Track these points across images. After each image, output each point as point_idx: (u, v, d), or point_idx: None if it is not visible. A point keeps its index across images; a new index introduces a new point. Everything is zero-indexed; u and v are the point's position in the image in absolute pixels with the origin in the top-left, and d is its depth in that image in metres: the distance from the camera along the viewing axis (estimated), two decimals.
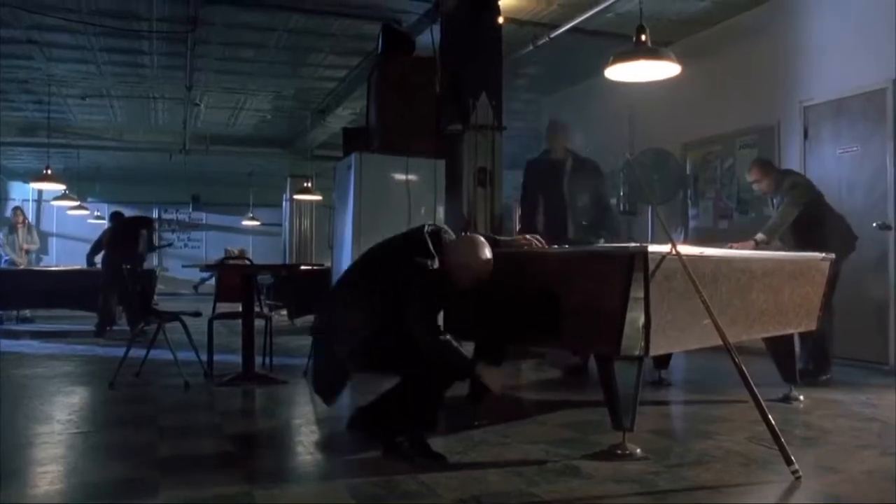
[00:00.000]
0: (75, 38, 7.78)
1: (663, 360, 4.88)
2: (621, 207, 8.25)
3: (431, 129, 6.25)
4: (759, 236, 4.81)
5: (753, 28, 7.02)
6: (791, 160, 6.46)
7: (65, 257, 16.86)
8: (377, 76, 6.41)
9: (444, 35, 6.65)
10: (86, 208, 15.50)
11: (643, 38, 4.16)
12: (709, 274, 3.26)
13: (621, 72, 4.24)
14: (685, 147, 7.80)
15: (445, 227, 3.45)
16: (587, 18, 6.78)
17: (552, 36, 7.22)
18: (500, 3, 6.55)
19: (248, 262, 7.11)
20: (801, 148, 6.46)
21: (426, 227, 3.26)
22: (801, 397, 4.32)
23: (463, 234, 3.45)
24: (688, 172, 7.80)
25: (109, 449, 3.38)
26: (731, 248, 4.49)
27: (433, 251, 3.13)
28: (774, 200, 5.23)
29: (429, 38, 6.89)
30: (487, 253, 3.15)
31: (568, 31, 7.13)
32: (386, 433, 3.11)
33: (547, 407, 4.20)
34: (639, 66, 4.18)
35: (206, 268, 10.03)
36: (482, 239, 3.25)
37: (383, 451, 3.05)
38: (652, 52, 4.15)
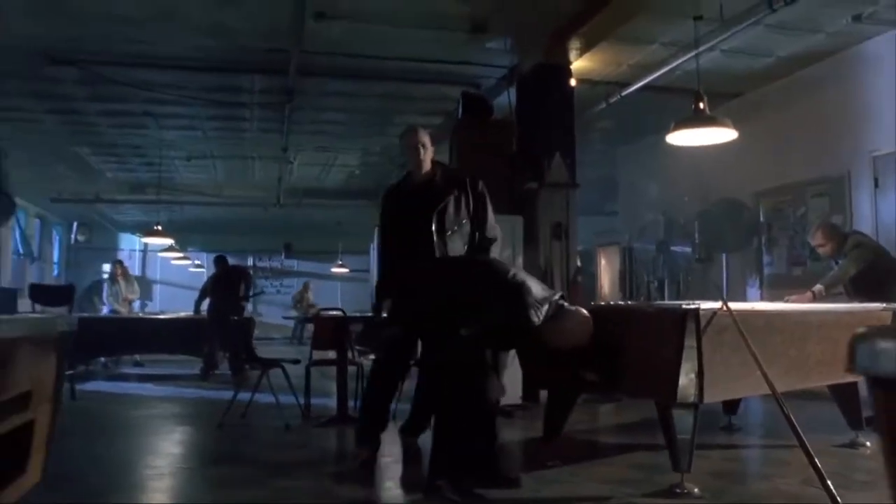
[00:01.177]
0: (185, 109, 8.61)
1: (732, 406, 5.09)
2: (696, 255, 8.48)
3: (509, 187, 6.68)
4: (817, 288, 5.01)
5: (820, 80, 7.21)
6: (862, 209, 6.60)
7: (167, 303, 17.92)
8: (457, 139, 6.91)
9: (520, 98, 7.13)
10: (188, 258, 16.57)
11: (701, 105, 4.50)
12: (762, 327, 3.54)
13: (682, 137, 4.59)
14: (757, 196, 7.99)
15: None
16: (655, 77, 7.15)
17: (623, 94, 7.60)
18: (572, 66, 6.98)
19: (341, 314, 7.62)
20: (871, 197, 6.60)
21: (557, 295, 3.43)
22: (868, 443, 4.47)
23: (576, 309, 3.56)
24: (761, 221, 7.97)
25: (220, 481, 3.87)
26: (788, 300, 4.72)
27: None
28: (838, 261, 5.38)
29: (506, 100, 7.40)
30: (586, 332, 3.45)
31: (638, 89, 7.51)
32: (429, 475, 3.39)
33: (618, 449, 4.49)
34: (697, 132, 4.50)
35: (304, 320, 10.65)
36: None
37: (423, 492, 3.33)
38: (709, 120, 4.48)
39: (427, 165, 4.21)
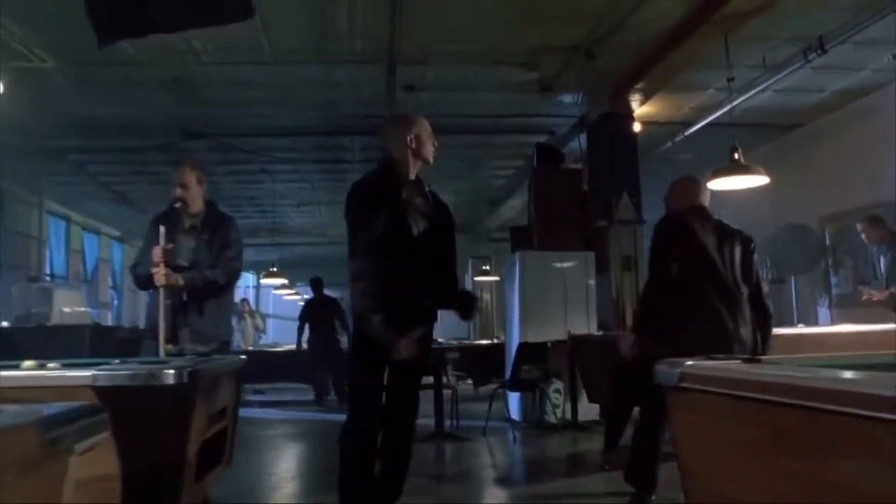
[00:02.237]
0: (296, 166, 9.83)
1: None
2: (769, 276, 8.99)
3: (580, 226, 7.48)
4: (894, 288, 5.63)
5: (874, 110, 7.67)
6: None
7: (279, 334, 19.38)
8: (534, 184, 7.78)
9: (590, 144, 7.92)
10: (297, 293, 17.94)
11: (736, 155, 5.21)
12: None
13: (720, 184, 5.29)
14: (822, 220, 8.47)
15: None
16: (715, 117, 7.81)
17: (686, 133, 8.28)
18: (635, 113, 7.74)
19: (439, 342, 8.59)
20: None
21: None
22: None
23: None
24: (826, 244, 8.44)
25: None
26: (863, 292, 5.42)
27: None
28: (881, 257, 5.95)
29: (577, 144, 8.21)
30: None
31: (702, 126, 8.17)
32: None
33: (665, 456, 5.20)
34: (733, 180, 5.21)
35: None
36: None
37: None
38: (744, 168, 5.18)
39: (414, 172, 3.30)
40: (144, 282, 3.56)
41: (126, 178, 10.53)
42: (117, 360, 2.56)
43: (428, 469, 5.25)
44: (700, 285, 3.61)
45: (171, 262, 3.47)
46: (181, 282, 3.46)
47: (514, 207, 12.02)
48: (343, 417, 3.35)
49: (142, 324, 4.49)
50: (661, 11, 5.51)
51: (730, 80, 6.02)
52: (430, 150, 3.30)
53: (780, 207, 8.99)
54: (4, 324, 8.35)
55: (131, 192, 11.35)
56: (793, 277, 8.62)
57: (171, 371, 2.05)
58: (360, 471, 3.22)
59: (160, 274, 3.41)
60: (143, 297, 4.41)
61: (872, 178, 7.74)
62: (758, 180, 5.21)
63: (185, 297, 3.51)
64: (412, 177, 3.28)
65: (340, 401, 9.13)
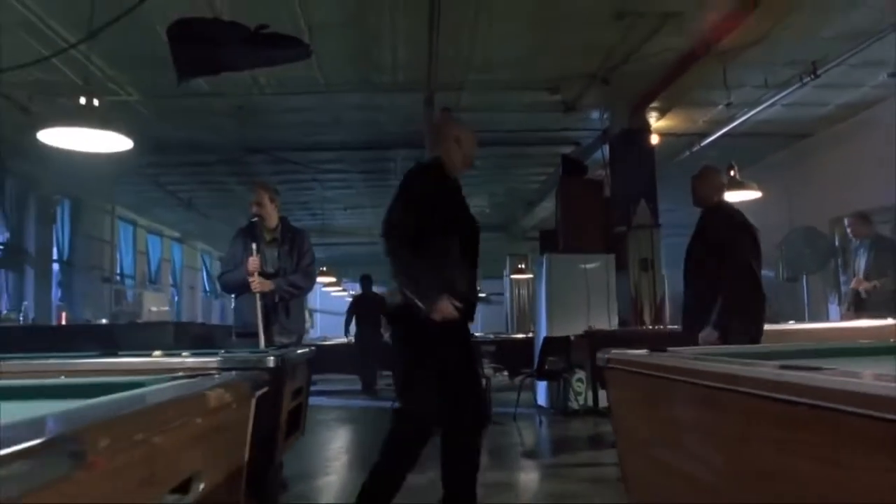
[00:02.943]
0: (344, 175, 10.76)
1: None
2: (783, 275, 9.64)
3: (602, 231, 8.23)
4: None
5: (880, 120, 8.27)
6: None
7: (326, 329, 20.44)
8: (560, 192, 8.55)
9: (611, 155, 8.65)
10: (345, 289, 18.98)
11: (732, 172, 5.93)
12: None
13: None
14: (832, 222, 9.09)
15: None
16: (728, 129, 8.49)
17: (702, 144, 8.97)
18: (653, 127, 8.45)
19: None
20: None
21: None
22: None
23: None
24: (836, 245, 9.06)
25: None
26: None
27: None
28: (862, 250, 6.62)
29: (600, 154, 8.95)
30: None
31: (717, 137, 8.85)
32: None
33: None
34: (729, 194, 5.92)
35: None
36: None
37: None
38: (739, 184, 5.90)
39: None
40: (237, 287, 4.37)
41: (192, 186, 11.57)
42: (223, 350, 3.43)
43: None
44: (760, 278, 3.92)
45: (262, 271, 4.30)
46: (272, 287, 4.31)
47: (548, 209, 12.76)
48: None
49: (217, 320, 5.36)
50: (666, 45, 6.22)
51: (728, 104, 6.72)
52: (472, 153, 3.40)
53: (794, 210, 9.63)
54: (103, 321, 9.45)
55: (195, 198, 12.40)
56: (805, 276, 9.25)
57: (272, 357, 2.91)
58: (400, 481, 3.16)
59: (256, 282, 4.26)
60: (199, 294, 5.22)
61: (875, 183, 8.34)
62: (751, 195, 5.93)
63: (276, 300, 4.35)
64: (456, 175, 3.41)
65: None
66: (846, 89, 7.73)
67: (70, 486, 0.81)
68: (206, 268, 19.92)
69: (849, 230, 6.90)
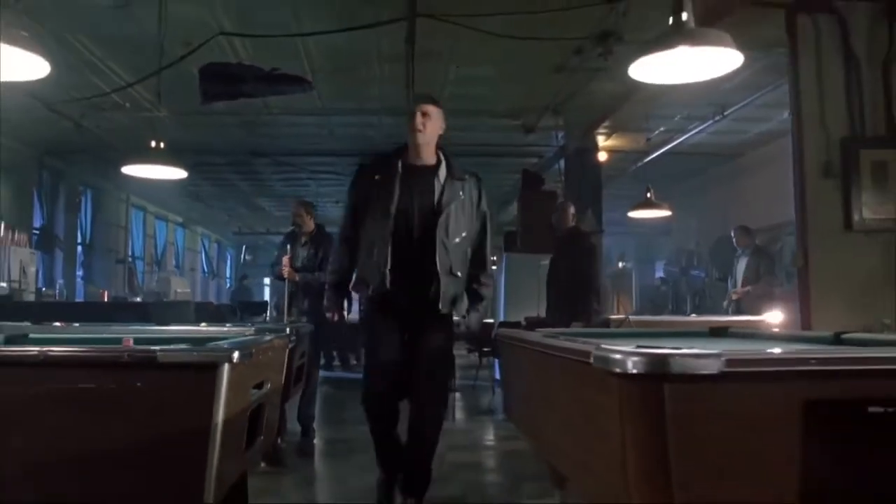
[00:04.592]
0: (336, 176, 12.21)
1: None
2: (715, 275, 11.18)
3: (553, 234, 9.70)
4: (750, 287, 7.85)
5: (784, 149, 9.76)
6: None
7: None
8: (520, 201, 10.03)
9: (566, 168, 10.13)
10: None
11: (648, 195, 7.40)
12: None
13: (637, 214, 7.49)
14: (755, 232, 10.60)
15: None
16: (665, 150, 9.98)
17: (645, 161, 10.47)
18: (602, 144, 9.91)
19: None
20: None
21: None
22: None
23: None
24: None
25: None
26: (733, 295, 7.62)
27: None
28: (742, 258, 8.07)
29: (558, 167, 10.42)
30: None
31: (659, 154, 10.34)
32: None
33: None
34: (646, 212, 7.41)
35: None
36: None
37: None
38: (655, 204, 7.38)
39: (428, 151, 3.68)
40: (277, 276, 5.85)
41: (199, 181, 12.99)
42: (250, 325, 4.89)
43: None
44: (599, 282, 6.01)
45: (293, 265, 5.73)
46: (297, 278, 5.77)
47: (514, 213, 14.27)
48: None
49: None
50: (600, 88, 7.66)
51: (648, 139, 8.21)
52: (410, 126, 3.64)
53: (729, 218, 11.14)
54: (138, 299, 10.96)
55: (201, 191, 13.84)
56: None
57: (288, 328, 4.37)
58: (378, 435, 3.70)
59: (285, 271, 5.70)
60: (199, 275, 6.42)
61: (783, 201, 9.84)
62: (663, 213, 7.41)
63: (299, 287, 5.76)
64: (422, 158, 3.67)
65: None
66: (759, 122, 9.22)
67: (243, 368, 2.28)
68: (204, 250, 21.34)
69: (734, 241, 8.37)
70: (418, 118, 3.61)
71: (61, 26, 6.23)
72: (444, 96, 8.17)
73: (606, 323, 6.11)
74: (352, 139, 10.01)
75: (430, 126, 3.63)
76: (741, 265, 8.12)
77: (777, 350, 1.95)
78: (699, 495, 1.71)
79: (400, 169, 3.64)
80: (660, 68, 3.21)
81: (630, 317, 6.30)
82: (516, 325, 9.02)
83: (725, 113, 7.94)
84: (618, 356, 1.78)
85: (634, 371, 1.73)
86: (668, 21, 3.24)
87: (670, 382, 1.70)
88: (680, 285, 11.32)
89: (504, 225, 17.10)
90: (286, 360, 3.38)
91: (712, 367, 1.68)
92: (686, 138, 9.36)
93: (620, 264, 19.41)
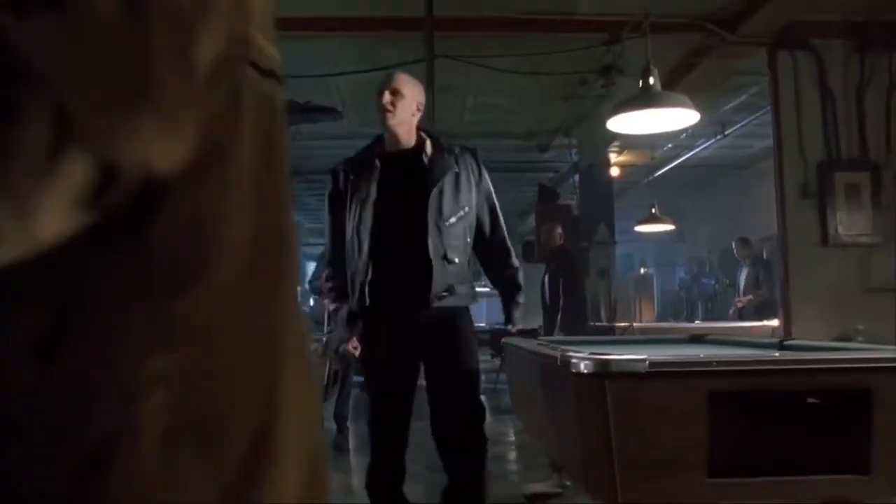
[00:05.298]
0: None
1: None
2: (725, 281, 11.70)
3: (570, 246, 10.32)
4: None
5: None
6: None
7: None
8: (537, 214, 10.66)
9: (580, 182, 10.74)
10: None
11: (654, 210, 7.99)
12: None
13: (643, 228, 8.09)
14: (762, 241, 11.13)
15: None
16: (673, 165, 10.56)
17: (656, 174, 11.05)
18: (614, 160, 10.51)
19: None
20: None
21: None
22: None
23: None
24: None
25: None
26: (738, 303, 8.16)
27: None
28: (744, 269, 8.63)
29: (573, 181, 11.04)
30: None
31: (670, 168, 10.92)
32: None
33: None
34: (652, 227, 8.00)
35: None
36: None
37: None
38: (658, 219, 7.98)
39: (405, 132, 3.14)
40: (315, 291, 6.58)
41: None
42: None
43: None
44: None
45: None
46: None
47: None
48: None
49: None
50: (623, 92, 8.24)
51: (652, 157, 8.80)
52: (380, 118, 3.11)
53: (737, 227, 11.68)
54: None
55: None
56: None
57: (324, 339, 5.04)
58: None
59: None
60: None
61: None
62: (667, 227, 8.01)
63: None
64: (400, 142, 3.14)
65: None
66: (761, 138, 9.75)
67: None
68: None
69: (735, 252, 8.92)
70: (386, 97, 3.05)
71: None
72: (462, 122, 8.87)
73: (612, 329, 6.68)
74: None
75: (402, 105, 3.06)
76: (743, 274, 8.67)
77: (696, 354, 2.59)
78: (635, 463, 2.35)
79: (378, 162, 3.11)
80: (633, 122, 3.85)
81: (634, 324, 6.89)
82: (532, 332, 9.64)
83: (726, 133, 8.51)
84: (574, 359, 2.43)
85: (585, 371, 2.37)
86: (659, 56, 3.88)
87: (610, 379, 2.34)
88: (693, 291, 11.86)
89: (523, 235, 17.78)
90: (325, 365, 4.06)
91: (640, 368, 2.32)
92: (693, 154, 9.93)
93: (642, 270, 19.91)
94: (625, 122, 3.94)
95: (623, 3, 5.53)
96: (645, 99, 3.67)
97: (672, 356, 2.44)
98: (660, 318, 14.93)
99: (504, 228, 3.38)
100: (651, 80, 3.67)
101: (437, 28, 5.59)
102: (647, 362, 2.32)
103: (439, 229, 3.04)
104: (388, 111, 3.07)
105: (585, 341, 4.26)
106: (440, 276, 3.03)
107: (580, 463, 2.49)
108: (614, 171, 10.55)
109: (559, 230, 7.05)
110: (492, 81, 7.26)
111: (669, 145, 9.94)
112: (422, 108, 3.23)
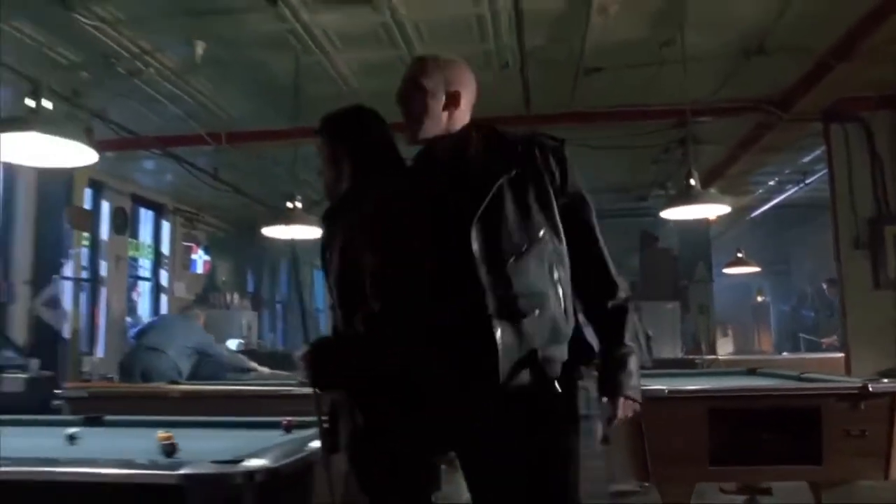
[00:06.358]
0: None
1: None
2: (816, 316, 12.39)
3: (671, 284, 11.41)
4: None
5: None
6: None
7: None
8: (641, 258, 11.81)
9: (679, 225, 11.80)
10: None
11: (739, 254, 9.02)
12: None
13: (728, 270, 9.13)
14: None
15: None
16: (769, 206, 11.44)
17: (752, 215, 11.96)
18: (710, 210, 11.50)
19: None
20: None
21: None
22: None
23: None
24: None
25: None
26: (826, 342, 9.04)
27: None
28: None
29: (671, 225, 12.11)
30: None
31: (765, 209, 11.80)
32: None
33: None
34: (736, 269, 9.02)
35: None
36: None
37: None
38: (743, 262, 9.00)
39: (438, 127, 2.11)
40: None
41: None
42: None
43: None
44: None
45: None
46: None
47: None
48: None
49: None
50: (707, 154, 9.32)
51: (739, 207, 9.82)
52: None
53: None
54: None
55: None
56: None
57: None
58: None
59: None
60: None
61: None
62: (752, 270, 9.01)
63: None
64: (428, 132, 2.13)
65: None
66: None
67: None
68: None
69: (826, 293, 9.71)
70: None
71: None
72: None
73: (691, 362, 7.73)
74: None
75: (432, 104, 2.12)
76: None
77: (709, 384, 3.86)
78: (660, 456, 3.63)
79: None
80: (681, 213, 5.12)
81: (719, 357, 7.94)
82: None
83: (807, 181, 9.45)
84: None
85: None
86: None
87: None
88: (794, 323, 12.57)
89: (629, 275, 18.88)
90: None
91: (661, 394, 3.62)
92: (783, 198, 10.82)
93: (759, 298, 20.40)
94: (675, 213, 5.20)
95: (691, 91, 6.71)
96: (688, 196, 4.93)
97: (684, 385, 3.72)
98: (776, 347, 15.48)
99: (605, 250, 2.23)
100: (692, 182, 4.93)
101: (536, 123, 6.96)
102: (667, 390, 3.62)
103: (498, 268, 1.92)
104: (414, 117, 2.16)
105: (660, 374, 5.49)
106: (510, 346, 1.89)
107: (628, 457, 3.80)
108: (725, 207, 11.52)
109: None
110: (586, 150, 8.57)
111: (760, 190, 10.88)
112: (465, 93, 2.17)
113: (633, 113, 7.03)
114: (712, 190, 6.79)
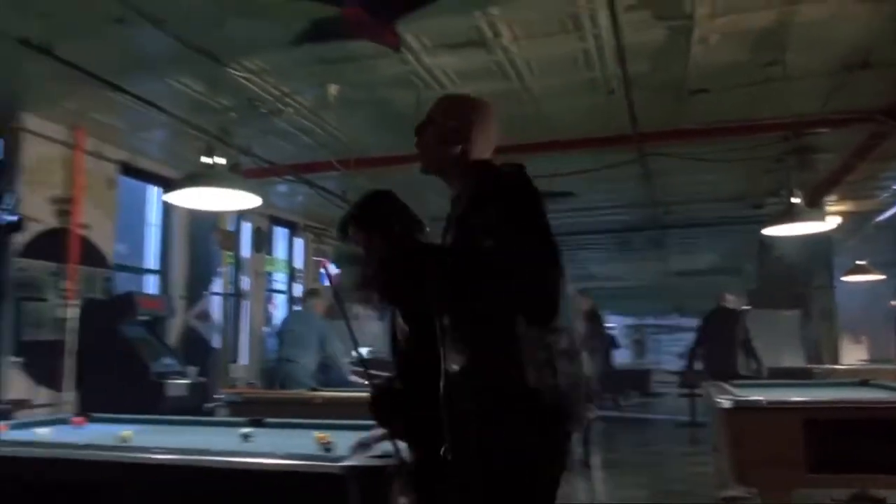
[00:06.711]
0: (598, 248, 14.63)
1: None
2: None
3: (790, 292, 11.28)
4: None
5: None
6: None
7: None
8: (758, 266, 11.73)
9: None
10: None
11: (859, 263, 8.92)
12: None
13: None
14: None
15: None
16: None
17: (875, 220, 11.64)
18: (830, 210, 11.32)
19: None
20: None
21: None
22: None
23: None
24: None
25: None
26: None
27: None
28: None
29: None
30: None
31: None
32: None
33: None
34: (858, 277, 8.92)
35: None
36: None
37: None
38: (865, 270, 8.90)
39: (449, 178, 2.29)
40: None
41: None
42: None
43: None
44: None
45: None
46: None
47: None
48: None
49: None
50: (810, 179, 9.30)
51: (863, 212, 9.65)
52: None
53: None
54: None
55: None
56: None
57: None
58: None
59: None
60: None
61: None
62: (875, 277, 8.87)
63: None
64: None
65: None
66: None
67: None
68: None
69: None
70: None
71: None
72: (675, 184, 10.31)
73: (808, 372, 7.80)
74: (608, 223, 12.43)
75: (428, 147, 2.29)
76: None
77: (810, 395, 4.11)
78: (758, 467, 3.91)
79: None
80: (784, 230, 5.34)
81: (839, 366, 7.91)
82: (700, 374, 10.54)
83: None
84: (721, 400, 4.06)
85: (727, 406, 4.00)
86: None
87: (741, 411, 3.94)
88: None
89: (748, 283, 18.49)
90: None
91: (762, 403, 3.90)
92: None
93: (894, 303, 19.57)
94: (778, 230, 5.43)
95: (797, 106, 6.79)
96: (791, 214, 5.18)
97: (783, 395, 3.98)
98: None
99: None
100: (795, 200, 5.16)
101: (642, 141, 7.22)
102: (766, 401, 3.90)
103: (452, 328, 2.13)
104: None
105: (770, 385, 5.69)
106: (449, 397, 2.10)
107: (727, 463, 4.09)
108: (834, 220, 11.33)
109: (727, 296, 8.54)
110: (698, 164, 8.73)
111: (886, 194, 10.62)
112: (464, 130, 2.28)
113: (740, 129, 7.18)
114: (816, 207, 6.86)
